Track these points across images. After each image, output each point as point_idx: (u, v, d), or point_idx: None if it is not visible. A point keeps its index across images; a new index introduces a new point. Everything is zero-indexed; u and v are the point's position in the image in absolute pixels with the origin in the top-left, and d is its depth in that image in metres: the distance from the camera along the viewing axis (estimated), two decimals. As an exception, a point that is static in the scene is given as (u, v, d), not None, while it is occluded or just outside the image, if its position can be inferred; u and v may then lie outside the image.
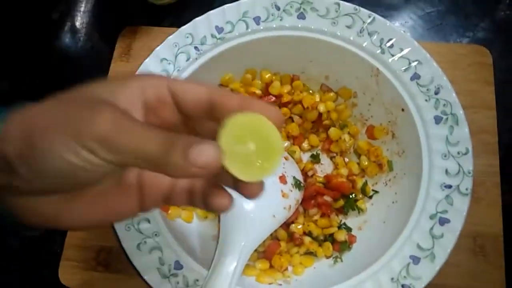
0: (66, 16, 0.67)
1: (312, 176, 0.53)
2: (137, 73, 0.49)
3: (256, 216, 0.45)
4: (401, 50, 0.48)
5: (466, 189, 0.43)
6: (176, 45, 0.50)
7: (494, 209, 0.52)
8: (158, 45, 0.50)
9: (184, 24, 0.51)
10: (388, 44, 0.48)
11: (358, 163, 0.53)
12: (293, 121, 0.55)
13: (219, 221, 0.48)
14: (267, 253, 0.49)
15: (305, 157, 0.55)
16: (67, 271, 0.51)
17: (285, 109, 0.54)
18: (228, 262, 0.41)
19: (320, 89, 0.55)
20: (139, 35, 0.61)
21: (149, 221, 0.45)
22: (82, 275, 0.51)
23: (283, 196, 0.47)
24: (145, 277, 0.42)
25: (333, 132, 0.53)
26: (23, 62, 0.64)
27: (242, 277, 0.46)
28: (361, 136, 0.54)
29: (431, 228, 0.43)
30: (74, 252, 0.52)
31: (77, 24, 0.66)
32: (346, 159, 0.54)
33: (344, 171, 0.53)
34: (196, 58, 0.50)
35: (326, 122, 0.54)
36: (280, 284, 0.46)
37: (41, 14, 0.67)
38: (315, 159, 0.54)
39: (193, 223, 0.50)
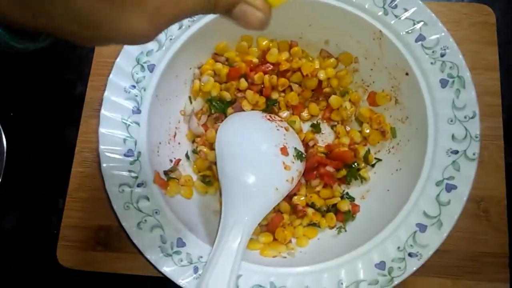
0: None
1: (313, 146, 0.51)
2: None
3: (258, 190, 0.44)
4: (405, 10, 0.45)
5: (474, 154, 0.42)
6: (166, 12, 0.47)
7: (497, 173, 0.51)
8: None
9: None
10: (392, 4, 0.45)
11: (360, 131, 0.51)
12: (292, 90, 0.52)
13: (220, 195, 0.46)
14: (270, 226, 0.48)
15: (306, 127, 0.53)
16: (66, 252, 0.50)
17: (283, 79, 0.52)
18: (232, 238, 0.40)
19: (320, 55, 0.53)
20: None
21: (148, 199, 0.43)
22: (81, 255, 0.50)
23: (285, 168, 0.46)
24: (148, 256, 0.41)
25: (333, 100, 0.51)
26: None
27: (246, 251, 0.45)
28: (363, 103, 0.53)
29: (438, 195, 0.42)
30: (71, 232, 0.51)
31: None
32: (348, 128, 0.53)
33: (345, 140, 0.51)
34: (189, 26, 0.47)
35: (327, 89, 0.52)
36: (285, 257, 0.45)
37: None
38: (316, 128, 0.53)
39: (193, 199, 0.49)
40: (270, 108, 0.52)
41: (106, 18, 0.23)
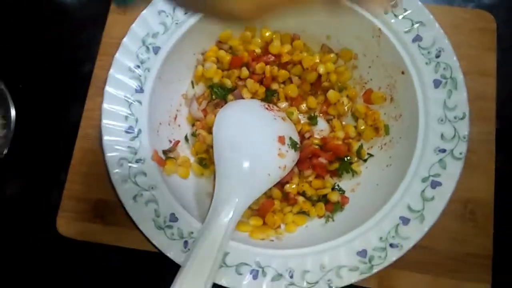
0: (62, -33, 0.65)
1: (308, 138, 0.53)
2: (133, 25, 0.48)
3: (251, 174, 0.46)
4: (405, 10, 0.47)
5: (460, 154, 0.44)
6: (175, -2, 0.49)
7: (487, 177, 0.52)
8: (156, -3, 0.49)
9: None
10: (392, 3, 0.47)
11: (355, 126, 0.53)
12: (291, 82, 0.54)
13: (214, 178, 0.48)
14: (261, 211, 0.50)
15: (303, 118, 0.55)
16: (65, 222, 0.52)
17: (283, 71, 0.53)
18: (223, 214, 0.42)
19: (321, 50, 0.55)
20: (138, -13, 0.59)
21: (145, 175, 0.45)
22: (79, 226, 0.52)
23: (279, 155, 0.48)
24: (141, 228, 0.43)
25: (331, 94, 0.53)
26: (18, 16, 0.63)
27: (236, 232, 0.47)
28: (360, 99, 0.54)
29: (423, 191, 0.44)
30: (71, 203, 0.53)
31: (74, -25, 0.64)
32: (343, 122, 0.54)
33: (340, 134, 0.53)
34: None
35: (325, 84, 0.54)
36: (272, 240, 0.47)
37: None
38: (312, 120, 0.54)
39: (189, 179, 0.51)
40: (269, 98, 0.53)
41: None
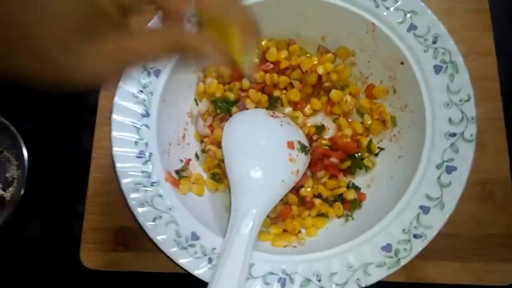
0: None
1: (317, 140, 0.53)
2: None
3: (265, 183, 0.46)
4: (395, 1, 0.47)
5: (471, 135, 0.44)
6: (169, 21, 0.49)
7: (500, 155, 0.52)
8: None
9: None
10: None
11: (362, 122, 0.53)
12: (293, 86, 0.55)
13: (229, 192, 0.49)
14: (279, 218, 0.50)
15: (310, 121, 0.55)
16: (88, 254, 0.53)
17: (283, 77, 0.54)
18: (243, 226, 0.42)
19: (318, 51, 0.55)
20: (131, 15, 0.61)
21: (161, 197, 0.46)
22: (103, 256, 0.53)
23: (290, 160, 0.48)
24: (164, 250, 0.43)
25: (334, 94, 0.53)
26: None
27: (258, 242, 0.47)
28: (362, 95, 0.54)
29: (439, 177, 0.43)
30: (93, 235, 0.53)
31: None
32: (349, 120, 0.54)
33: (348, 132, 0.53)
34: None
35: (327, 84, 0.54)
36: (295, 246, 0.47)
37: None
38: (319, 130, 0.54)
39: (204, 196, 0.51)
40: (273, 105, 0.54)
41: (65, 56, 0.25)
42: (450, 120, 0.44)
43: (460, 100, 0.44)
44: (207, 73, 0.54)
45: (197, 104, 0.55)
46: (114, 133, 0.47)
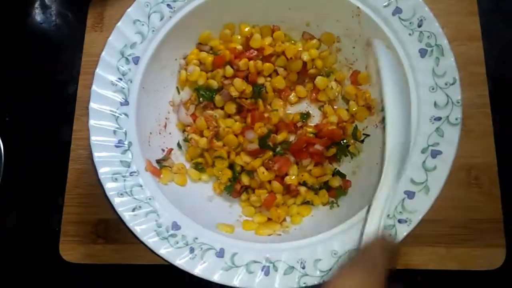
0: (33, -8, 0.64)
1: (302, 127, 0.52)
2: (110, 38, 0.47)
3: None
4: (380, -15, 0.46)
5: (456, 119, 0.43)
6: (147, 5, 0.48)
7: (486, 140, 0.52)
8: (129, 9, 0.48)
9: (153, -16, 0.49)
10: (367, -20, 0.46)
11: (347, 109, 0.52)
12: (277, 74, 0.53)
13: (213, 182, 0.47)
14: (264, 207, 0.49)
15: (294, 109, 0.54)
16: (68, 247, 0.52)
17: (268, 64, 0.53)
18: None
19: (302, 38, 0.54)
20: (110, 2, 0.59)
21: (141, 187, 0.44)
22: (83, 249, 0.51)
23: None
24: (144, 240, 0.42)
25: (319, 81, 0.52)
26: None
27: (242, 232, 0.46)
28: (348, 82, 0.53)
29: (424, 162, 0.43)
30: (72, 228, 0.52)
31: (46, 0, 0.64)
32: (335, 107, 0.53)
33: (333, 119, 0.52)
34: (170, 17, 0.48)
35: (312, 71, 0.53)
36: (280, 234, 0.46)
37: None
38: (305, 118, 0.53)
39: (187, 186, 0.50)
40: (256, 93, 0.53)
41: None
42: (435, 103, 0.44)
43: (446, 84, 0.44)
44: (188, 60, 0.53)
45: (179, 92, 0.53)
46: (92, 122, 0.45)
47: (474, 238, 0.49)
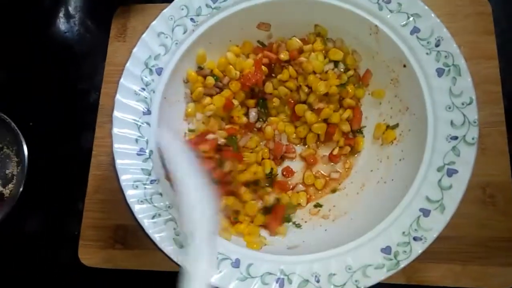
0: (58, 2, 0.66)
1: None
2: (134, 50, 0.49)
3: None
4: (399, 4, 0.47)
5: (473, 139, 0.43)
6: (171, 18, 0.49)
7: (502, 158, 0.52)
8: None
9: (177, -2, 0.50)
10: (385, -1, 0.47)
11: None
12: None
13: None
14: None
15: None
16: (87, 252, 0.53)
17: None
18: None
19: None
20: (133, 13, 0.61)
21: (161, 195, 0.45)
22: (101, 253, 0.52)
23: None
24: (162, 248, 0.43)
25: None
26: (19, 52, 0.64)
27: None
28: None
29: (439, 180, 0.43)
30: (91, 232, 0.53)
31: (71, 9, 0.66)
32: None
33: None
34: (193, 30, 0.50)
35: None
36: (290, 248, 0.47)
37: (34, 2, 0.67)
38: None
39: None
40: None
41: None
42: (452, 123, 0.44)
43: (462, 104, 0.44)
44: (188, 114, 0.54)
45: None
46: (115, 130, 0.47)
47: (489, 256, 0.49)
